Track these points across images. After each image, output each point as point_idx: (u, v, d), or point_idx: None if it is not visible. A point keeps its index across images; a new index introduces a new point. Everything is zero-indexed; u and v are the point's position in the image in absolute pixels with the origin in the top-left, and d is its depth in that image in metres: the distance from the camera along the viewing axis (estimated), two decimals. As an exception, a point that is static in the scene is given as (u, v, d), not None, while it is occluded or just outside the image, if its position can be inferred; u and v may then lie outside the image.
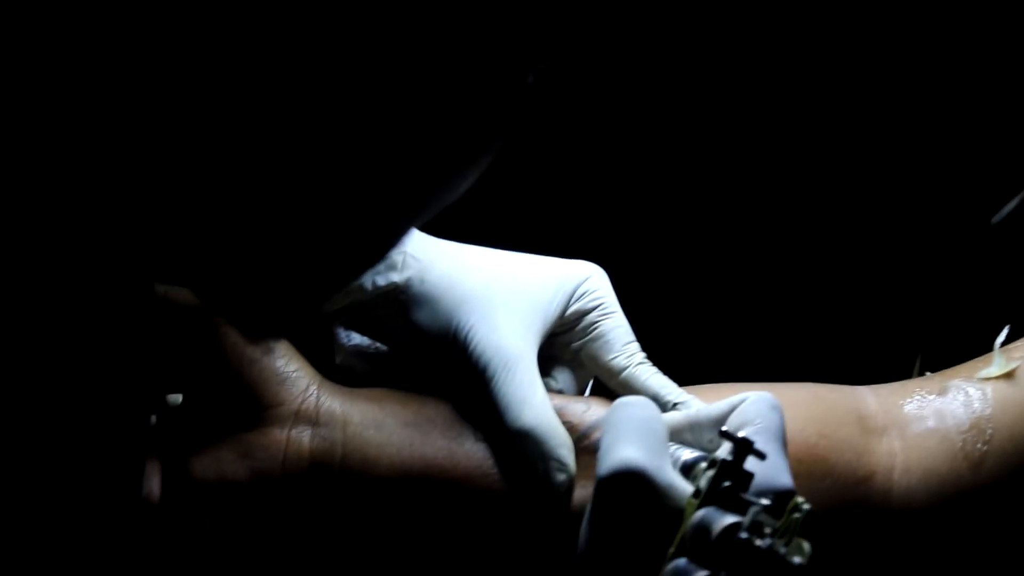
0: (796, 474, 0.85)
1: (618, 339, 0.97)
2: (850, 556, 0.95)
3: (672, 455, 0.87)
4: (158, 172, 0.67)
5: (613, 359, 0.97)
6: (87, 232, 0.71)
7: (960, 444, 0.94)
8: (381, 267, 0.96)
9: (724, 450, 0.82)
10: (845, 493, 0.94)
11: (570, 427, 0.93)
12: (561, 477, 0.91)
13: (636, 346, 0.97)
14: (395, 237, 0.76)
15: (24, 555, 0.84)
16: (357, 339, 1.00)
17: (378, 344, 1.00)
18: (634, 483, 0.81)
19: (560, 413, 0.94)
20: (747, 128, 1.25)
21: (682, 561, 0.78)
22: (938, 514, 0.94)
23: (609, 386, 0.96)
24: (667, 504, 0.81)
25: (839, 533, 0.94)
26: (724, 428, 0.82)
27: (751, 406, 0.87)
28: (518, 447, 0.92)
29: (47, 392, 0.84)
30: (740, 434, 0.81)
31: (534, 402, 0.92)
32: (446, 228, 0.97)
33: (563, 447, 0.92)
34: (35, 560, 0.85)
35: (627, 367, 0.96)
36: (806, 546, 0.76)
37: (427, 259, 0.97)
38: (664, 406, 0.94)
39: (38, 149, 0.67)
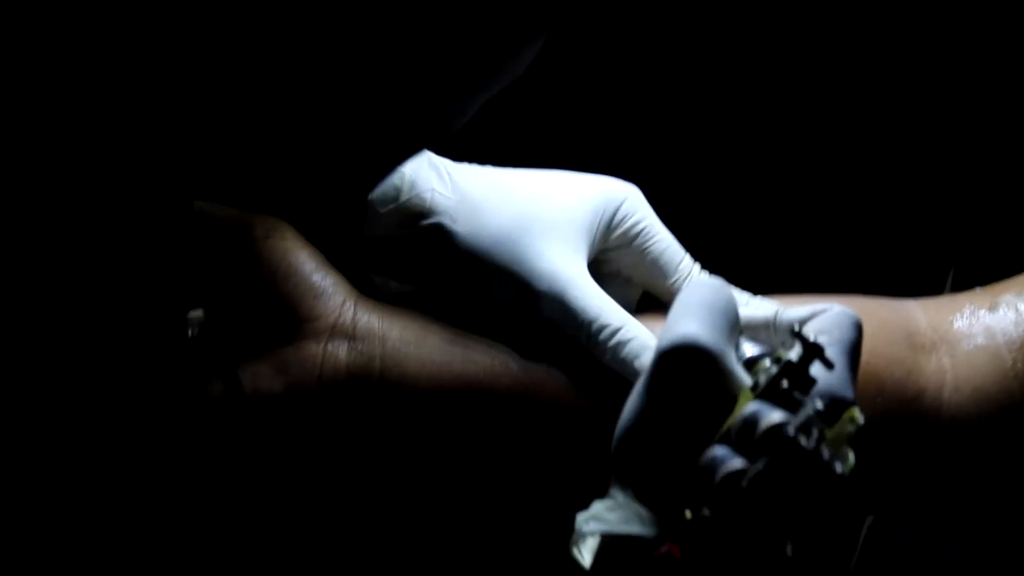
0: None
1: (672, 261, 0.96)
2: (899, 475, 0.94)
3: (739, 348, 0.86)
4: (193, 81, 0.67)
5: (673, 282, 0.96)
6: (126, 150, 0.71)
7: (1011, 362, 0.94)
8: (410, 207, 0.93)
9: (793, 351, 0.80)
10: (895, 411, 0.93)
11: None
12: None
13: (690, 261, 0.96)
14: (445, 116, 0.74)
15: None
16: (396, 286, 0.98)
17: (417, 288, 0.97)
18: (694, 359, 0.79)
19: None
20: (791, 38, 1.23)
21: (723, 448, 0.77)
22: (987, 433, 0.93)
23: None
24: (722, 390, 0.80)
25: (889, 452, 0.93)
26: (798, 329, 0.81)
27: (832, 317, 0.85)
28: (609, 354, 0.91)
29: (84, 306, 0.85)
30: (812, 339, 0.79)
31: (611, 307, 0.91)
32: (472, 149, 0.96)
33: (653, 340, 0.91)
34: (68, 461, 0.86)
35: None
36: (851, 457, 0.75)
37: (458, 195, 0.94)
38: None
39: (80, 62, 0.66)
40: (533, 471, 0.93)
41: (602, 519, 0.79)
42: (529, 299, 0.93)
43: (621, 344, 0.91)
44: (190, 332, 0.91)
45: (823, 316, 0.86)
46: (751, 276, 0.99)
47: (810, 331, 0.83)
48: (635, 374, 0.90)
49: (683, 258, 0.96)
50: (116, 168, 0.73)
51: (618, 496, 0.80)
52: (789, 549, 0.73)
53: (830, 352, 0.81)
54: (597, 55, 1.22)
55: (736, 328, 0.84)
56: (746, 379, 0.81)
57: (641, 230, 0.96)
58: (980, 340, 0.96)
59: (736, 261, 1.02)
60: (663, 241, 0.96)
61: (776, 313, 0.91)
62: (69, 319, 0.86)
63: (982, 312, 0.97)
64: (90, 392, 0.86)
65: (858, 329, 0.84)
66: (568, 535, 0.80)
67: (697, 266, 0.97)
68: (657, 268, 0.96)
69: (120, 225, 0.81)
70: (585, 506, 0.80)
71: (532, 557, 0.96)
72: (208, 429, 0.88)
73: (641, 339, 0.91)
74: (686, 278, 0.96)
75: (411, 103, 0.70)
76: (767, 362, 0.82)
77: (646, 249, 0.96)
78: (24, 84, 0.67)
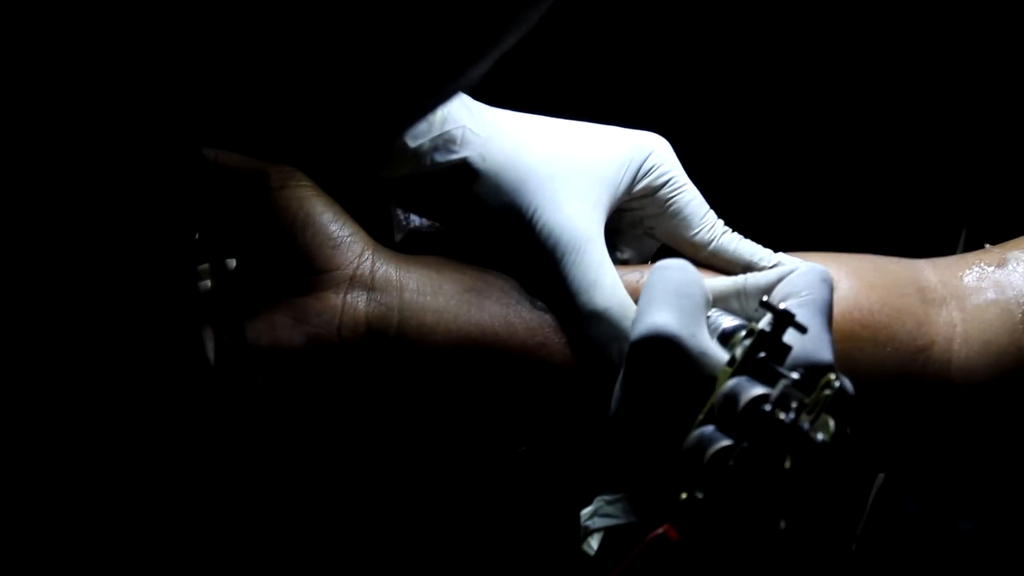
0: (859, 340, 0.86)
1: (695, 213, 0.96)
2: (908, 428, 0.96)
3: (712, 322, 0.86)
4: (206, 37, 0.67)
5: (696, 234, 0.96)
6: (138, 101, 0.70)
7: (1020, 316, 0.95)
8: (440, 142, 0.94)
9: (764, 320, 0.81)
10: (906, 361, 0.94)
11: None
12: None
13: (713, 215, 0.97)
14: (453, 75, 0.74)
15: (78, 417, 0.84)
16: (416, 220, 0.99)
17: (438, 224, 0.99)
18: (664, 349, 0.80)
19: None
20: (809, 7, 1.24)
21: (708, 428, 0.78)
22: (997, 386, 0.94)
23: (696, 260, 0.94)
24: (699, 371, 0.80)
25: (899, 403, 0.94)
26: (766, 299, 0.82)
27: (800, 277, 0.86)
28: (590, 329, 0.92)
29: (94, 258, 0.83)
30: (782, 305, 0.80)
31: (605, 283, 0.91)
32: (506, 96, 0.97)
33: None
34: (91, 424, 0.85)
35: (713, 239, 0.96)
36: (831, 423, 0.76)
37: (488, 134, 0.95)
38: (760, 270, 0.94)
39: (91, 27, 0.67)
40: (545, 425, 0.94)
41: (605, 513, 0.81)
42: (535, 250, 0.93)
43: (595, 326, 0.91)
44: (209, 283, 0.91)
45: (792, 277, 0.87)
46: (772, 233, 1.00)
47: (780, 295, 0.86)
48: (606, 357, 0.91)
49: (707, 212, 0.97)
50: (124, 116, 0.72)
51: (617, 489, 0.81)
52: (782, 523, 0.74)
53: (802, 315, 0.81)
54: (625, 9, 1.23)
55: (705, 305, 0.84)
56: (723, 355, 0.81)
57: (666, 181, 0.96)
58: (990, 295, 0.97)
59: (758, 218, 1.03)
60: (688, 194, 0.97)
61: (745, 280, 0.91)
62: (76, 277, 0.84)
63: (991, 268, 0.98)
64: (99, 356, 0.85)
65: (829, 285, 0.85)
66: (574, 530, 0.82)
67: (720, 222, 0.97)
68: (680, 220, 0.96)
69: (129, 174, 0.81)
70: (587, 502, 0.82)
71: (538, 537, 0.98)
72: (215, 390, 0.88)
73: (615, 326, 0.90)
74: (708, 231, 0.96)
75: (422, 55, 0.71)
76: (742, 334, 0.83)
77: (670, 200, 0.96)
78: (30, 39, 0.67)
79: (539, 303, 0.94)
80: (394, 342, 0.92)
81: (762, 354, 0.79)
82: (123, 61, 0.68)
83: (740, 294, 0.91)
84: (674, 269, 0.85)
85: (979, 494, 1.23)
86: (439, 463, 0.98)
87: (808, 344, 0.81)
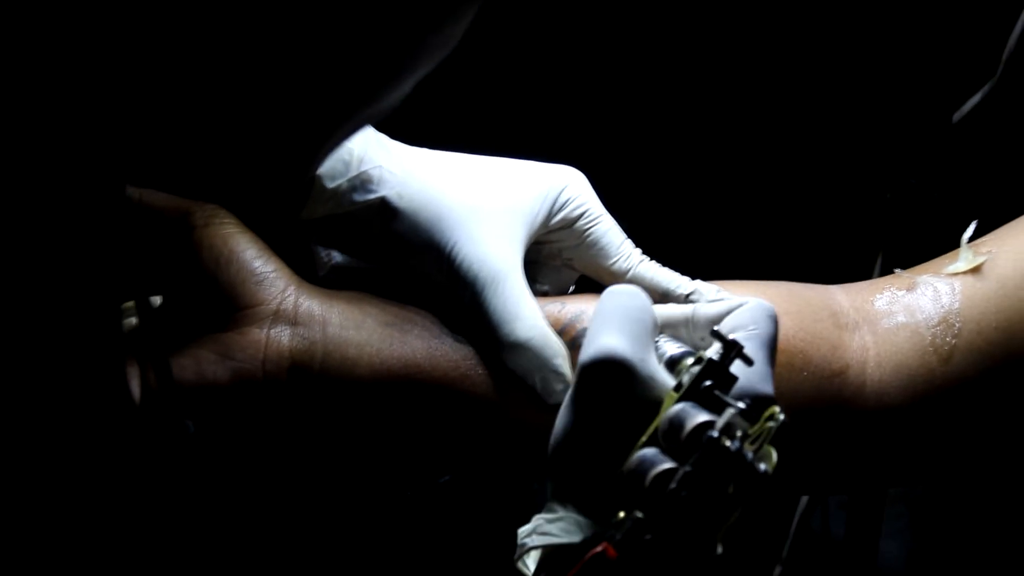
0: (775, 365, 0.86)
1: (612, 243, 0.98)
2: (826, 452, 0.97)
3: (659, 348, 0.88)
4: (124, 73, 0.68)
5: (614, 264, 0.98)
6: (57, 137, 0.71)
7: (930, 338, 0.97)
8: (358, 182, 0.95)
9: (713, 350, 0.82)
10: (821, 385, 0.96)
11: None
12: (559, 387, 0.93)
13: (630, 245, 0.98)
14: (366, 101, 0.74)
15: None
16: (338, 257, 0.99)
17: (359, 262, 1.00)
18: (614, 371, 0.82)
19: None
20: (720, 25, 1.26)
21: (650, 450, 0.79)
22: (909, 406, 0.96)
23: None
24: (646, 395, 0.82)
25: (816, 427, 0.96)
26: (716, 328, 0.83)
27: (748, 311, 0.88)
28: (512, 360, 0.93)
29: (17, 295, 0.81)
30: (731, 337, 0.82)
31: (525, 314, 0.93)
32: (420, 132, 0.98)
33: (558, 356, 0.93)
34: (17, 461, 0.82)
35: (630, 268, 0.98)
36: (774, 455, 0.78)
37: (404, 173, 0.96)
38: (676, 299, 0.96)
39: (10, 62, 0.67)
40: (470, 457, 0.95)
41: (544, 532, 0.82)
42: (455, 285, 0.94)
43: (518, 357, 0.93)
44: (134, 320, 0.90)
45: (740, 311, 0.89)
46: (688, 261, 1.01)
47: (728, 327, 0.87)
48: (529, 388, 0.93)
49: (623, 241, 0.98)
50: (46, 155, 0.71)
51: (557, 508, 0.82)
52: (720, 547, 0.76)
53: (749, 347, 0.83)
54: (538, 38, 1.24)
55: (654, 331, 0.86)
56: (669, 380, 0.83)
57: (583, 213, 0.97)
58: (900, 318, 0.98)
59: (674, 246, 1.04)
60: (604, 224, 0.98)
61: (694, 310, 0.93)
62: None
63: (901, 292, 1.00)
64: (20, 396, 0.81)
65: (774, 322, 0.87)
66: (511, 550, 0.82)
67: (638, 251, 0.98)
68: (597, 251, 0.98)
69: (52, 213, 0.78)
70: (525, 520, 0.83)
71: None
72: (140, 428, 0.86)
73: (537, 356, 0.93)
74: (626, 260, 0.97)
75: (332, 82, 0.71)
76: (689, 361, 0.84)
77: (587, 231, 0.97)
78: None
79: (461, 336, 0.95)
80: (318, 376, 0.92)
81: (708, 382, 0.81)
82: (44, 98, 0.68)
83: (688, 323, 0.92)
84: (625, 295, 0.86)
85: (900, 514, 1.25)
86: (363, 495, 0.98)
87: (753, 376, 0.83)
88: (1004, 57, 1.20)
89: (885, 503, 1.24)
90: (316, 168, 0.94)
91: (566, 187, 0.98)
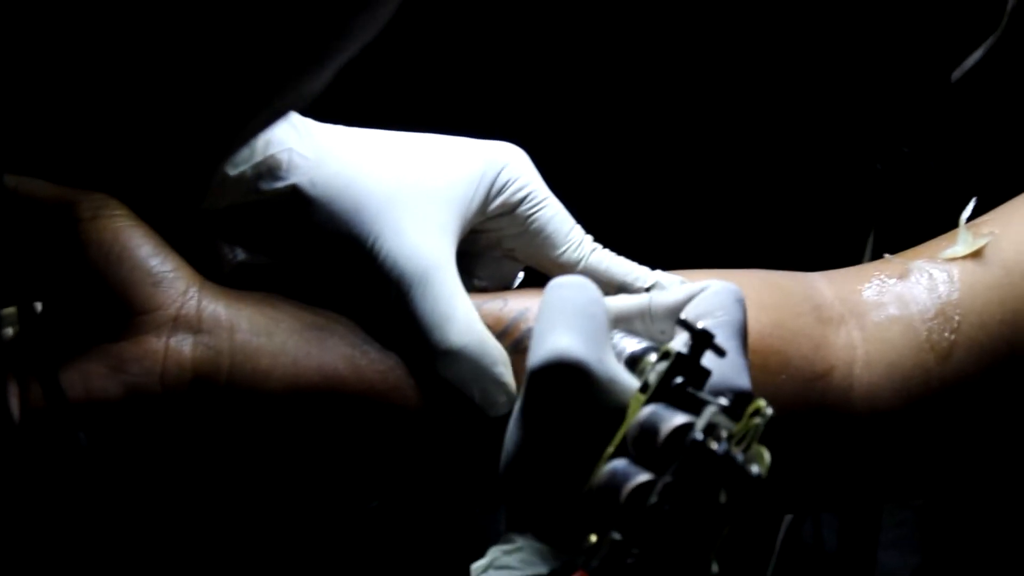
0: (750, 368, 0.83)
1: (560, 230, 0.94)
2: (811, 465, 0.94)
3: (616, 345, 0.84)
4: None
5: (562, 254, 0.94)
6: None
7: (925, 333, 0.94)
8: (264, 168, 0.91)
9: (679, 342, 0.79)
10: (803, 389, 0.93)
11: (487, 327, 0.90)
12: (501, 397, 0.90)
13: (580, 231, 0.95)
14: (276, 83, 0.71)
15: None
16: (244, 253, 0.95)
17: (269, 258, 0.95)
18: (569, 376, 0.77)
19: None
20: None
21: (621, 462, 0.75)
22: (903, 412, 0.93)
23: None
24: (608, 400, 0.78)
25: (798, 437, 0.93)
26: (682, 316, 0.79)
27: (713, 296, 0.84)
28: (446, 369, 0.90)
29: None
30: (699, 325, 0.78)
31: (458, 316, 0.89)
32: (336, 109, 0.93)
33: (498, 364, 0.90)
34: None
35: (581, 258, 0.94)
36: (767, 455, 0.74)
37: (318, 156, 0.92)
38: (635, 292, 0.93)
39: None
40: (401, 477, 0.92)
41: (501, 565, 0.78)
42: (378, 284, 0.91)
43: (452, 365, 0.90)
44: (11, 330, 0.86)
45: (702, 296, 0.85)
46: (647, 248, 0.98)
47: (691, 315, 0.84)
48: (467, 399, 0.90)
49: (572, 228, 0.94)
50: None
51: (515, 537, 0.78)
52: (715, 566, 0.72)
53: (719, 337, 0.79)
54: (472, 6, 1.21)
55: (608, 326, 0.82)
56: (632, 381, 0.79)
57: (525, 196, 0.94)
58: (892, 310, 0.96)
59: (630, 232, 1.02)
60: (550, 209, 0.94)
61: (650, 300, 0.89)
62: None
63: (892, 281, 0.97)
64: None
65: (743, 306, 0.83)
66: None
67: (589, 238, 0.95)
68: (543, 239, 0.94)
69: None
70: (478, 554, 0.79)
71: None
72: (24, 447, 0.84)
73: (474, 363, 0.89)
74: (576, 249, 0.94)
75: (252, 65, 0.68)
76: (652, 357, 0.80)
77: (531, 217, 0.94)
78: None
79: (388, 342, 0.91)
80: (225, 389, 0.88)
81: (679, 379, 0.77)
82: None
83: (644, 315, 0.89)
84: (572, 287, 0.82)
85: (903, 522, 1.24)
86: (283, 522, 0.94)
87: (727, 369, 0.79)
88: (1008, 8, 1.17)
89: (883, 509, 1.23)
90: (227, 158, 0.90)
91: (505, 167, 0.93)
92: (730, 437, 0.73)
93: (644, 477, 0.74)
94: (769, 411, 0.75)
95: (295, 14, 0.66)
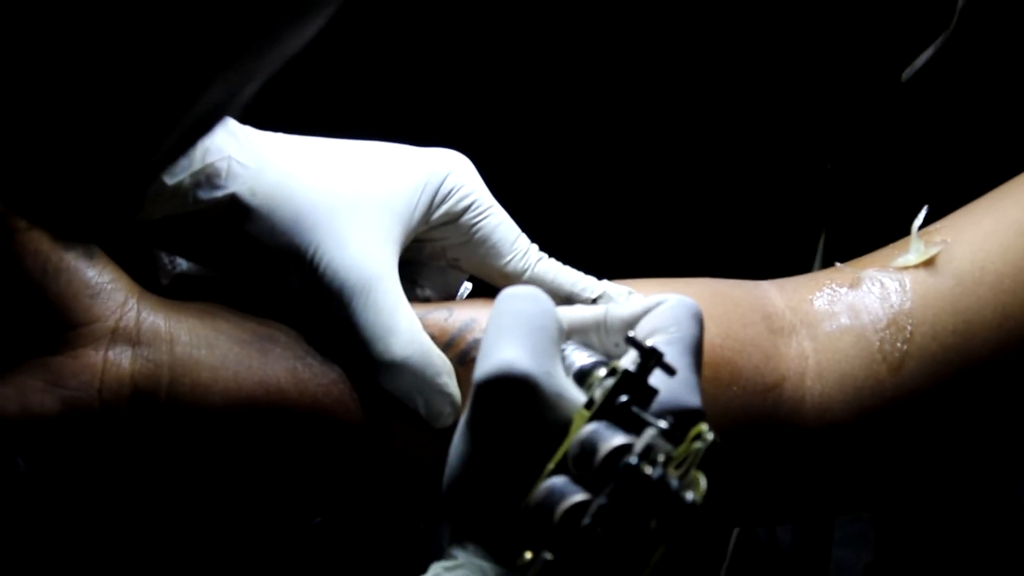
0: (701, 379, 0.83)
1: (505, 239, 0.93)
2: (762, 478, 0.93)
3: (566, 358, 0.82)
4: None
5: (508, 263, 0.93)
6: None
7: (877, 344, 0.93)
8: (202, 177, 0.89)
9: (629, 359, 0.77)
10: (754, 401, 0.92)
11: (433, 339, 0.90)
12: (446, 408, 0.89)
13: (526, 241, 0.94)
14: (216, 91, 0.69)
15: None
16: (184, 265, 0.94)
17: (208, 269, 0.94)
18: (515, 390, 0.76)
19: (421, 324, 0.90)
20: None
21: (559, 480, 0.74)
22: (855, 424, 0.93)
23: None
24: (553, 415, 0.76)
25: (749, 450, 0.92)
26: (631, 334, 0.78)
27: (668, 311, 0.82)
28: (389, 382, 0.89)
29: None
30: (649, 342, 0.76)
31: (401, 328, 0.89)
32: (275, 117, 0.92)
33: (442, 374, 0.89)
34: None
35: (527, 268, 0.93)
36: (703, 482, 0.72)
37: (258, 164, 0.90)
38: (582, 303, 0.92)
39: None
40: (346, 493, 0.91)
41: None
42: (319, 295, 0.90)
43: (395, 377, 0.89)
44: None
45: (658, 311, 0.83)
46: (593, 257, 0.97)
47: (645, 330, 0.82)
48: (415, 407, 0.90)
49: (518, 237, 0.94)
50: None
51: (458, 554, 0.77)
52: None
53: (670, 354, 0.77)
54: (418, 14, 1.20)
55: (559, 339, 0.81)
56: (579, 396, 0.78)
57: (469, 205, 0.93)
58: (843, 320, 0.95)
59: (576, 241, 1.01)
60: (495, 217, 0.93)
61: (606, 312, 0.87)
62: None
63: (844, 290, 0.97)
64: None
65: (699, 322, 0.81)
66: None
67: (534, 247, 0.94)
68: (488, 248, 0.94)
69: None
70: (422, 569, 0.77)
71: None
72: None
73: (418, 376, 0.89)
74: (522, 259, 0.93)
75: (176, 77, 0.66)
76: (601, 372, 0.79)
77: (475, 226, 0.93)
78: None
79: (330, 355, 0.90)
80: (165, 404, 0.88)
81: (624, 397, 0.75)
82: None
83: (600, 326, 0.87)
84: (523, 298, 0.80)
85: (855, 521, 1.24)
86: (225, 537, 0.93)
87: (676, 388, 0.77)
88: (959, 6, 1.17)
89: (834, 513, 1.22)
90: (163, 167, 0.88)
91: (449, 174, 0.93)
92: (668, 461, 0.72)
93: (580, 497, 0.73)
94: (711, 436, 0.73)
95: (227, 21, 0.64)
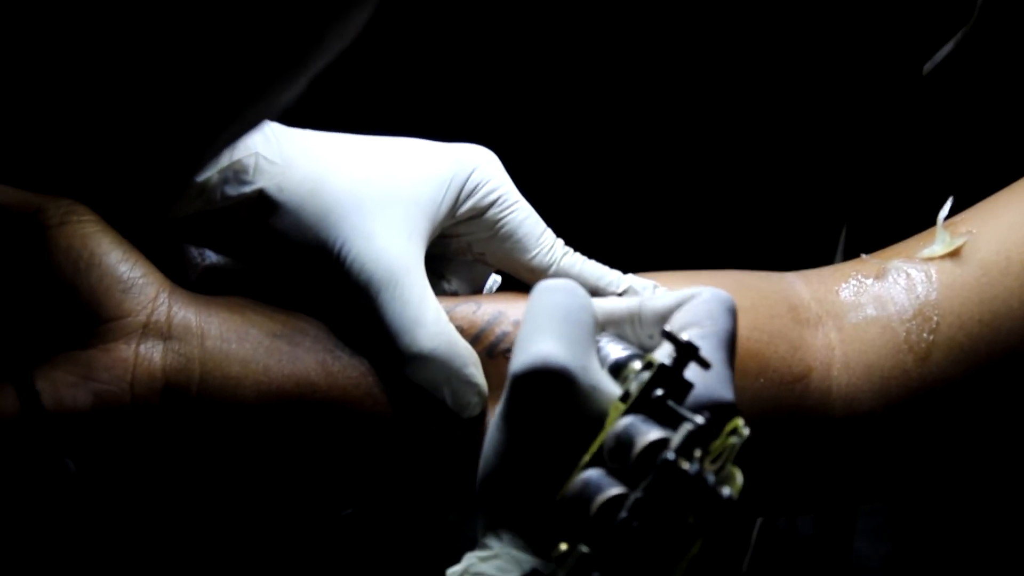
0: None
1: (531, 234, 0.94)
2: (789, 468, 0.94)
3: (601, 350, 0.83)
4: None
5: (533, 258, 0.94)
6: None
7: (904, 334, 0.94)
8: (230, 173, 0.90)
9: (663, 352, 0.78)
10: (781, 392, 0.93)
11: (461, 331, 0.91)
12: (473, 399, 0.90)
13: (551, 235, 0.94)
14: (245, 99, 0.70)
15: None
16: (213, 258, 0.95)
17: (237, 262, 0.95)
18: (552, 383, 0.77)
19: (448, 318, 0.91)
20: None
21: (595, 473, 0.75)
22: (882, 414, 0.93)
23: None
24: (589, 408, 0.77)
25: (776, 440, 0.92)
26: (667, 328, 0.78)
27: (703, 304, 0.83)
28: (417, 373, 0.89)
29: None
30: (685, 336, 0.77)
31: (427, 320, 0.89)
32: (307, 114, 0.92)
33: (469, 365, 0.90)
34: None
35: (552, 263, 0.94)
36: (739, 477, 0.73)
37: (285, 160, 0.91)
38: (608, 296, 0.92)
39: None
40: (371, 485, 0.91)
41: (477, 572, 0.77)
42: (346, 288, 0.90)
43: (422, 369, 0.90)
44: None
45: (692, 304, 0.83)
46: (618, 251, 0.98)
47: (679, 323, 0.82)
48: (443, 398, 0.90)
49: (544, 232, 0.94)
50: None
51: (492, 543, 0.78)
52: None
53: (705, 348, 0.78)
54: (446, 12, 1.20)
55: (594, 332, 0.82)
56: (614, 388, 0.78)
57: (495, 200, 0.94)
58: (870, 311, 0.95)
59: (602, 235, 1.01)
60: (520, 212, 0.94)
61: (640, 304, 0.87)
62: None
63: (870, 281, 0.97)
64: None
65: (733, 316, 0.82)
66: None
67: (560, 242, 0.95)
68: (514, 243, 0.94)
69: None
70: (453, 561, 0.78)
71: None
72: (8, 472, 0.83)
73: (445, 367, 0.89)
74: (547, 253, 0.94)
75: (226, 76, 0.68)
76: (636, 365, 0.79)
77: (501, 221, 0.94)
78: None
79: (359, 347, 0.91)
80: (196, 398, 0.88)
81: (660, 391, 0.76)
82: None
83: (634, 319, 0.87)
84: (560, 291, 0.81)
85: (875, 513, 1.24)
86: (257, 529, 0.95)
87: (711, 382, 0.78)
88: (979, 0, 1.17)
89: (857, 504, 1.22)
90: (201, 168, 0.90)
91: (475, 170, 0.93)
92: (704, 456, 0.73)
93: (616, 490, 0.73)
94: (746, 431, 0.74)
95: (270, 24, 0.65)
